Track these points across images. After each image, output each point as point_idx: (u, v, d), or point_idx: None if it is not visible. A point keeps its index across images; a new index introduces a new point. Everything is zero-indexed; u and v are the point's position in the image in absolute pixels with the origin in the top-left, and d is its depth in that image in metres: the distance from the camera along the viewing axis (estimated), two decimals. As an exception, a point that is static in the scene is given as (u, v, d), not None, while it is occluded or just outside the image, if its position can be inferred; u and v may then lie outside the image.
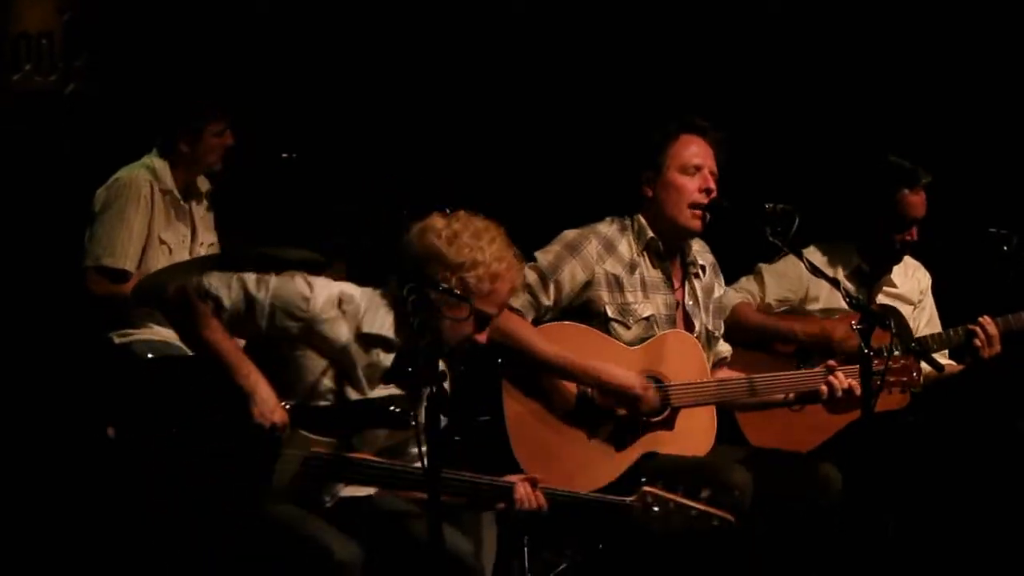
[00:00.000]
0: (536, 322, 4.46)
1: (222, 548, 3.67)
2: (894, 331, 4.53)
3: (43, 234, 5.37)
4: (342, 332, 3.79)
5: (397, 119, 5.81)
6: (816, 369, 4.59)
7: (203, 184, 5.42)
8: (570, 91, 5.99)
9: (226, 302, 3.71)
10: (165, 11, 5.62)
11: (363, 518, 3.84)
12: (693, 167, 4.52)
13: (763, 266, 5.13)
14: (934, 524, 5.07)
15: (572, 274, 4.47)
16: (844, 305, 4.67)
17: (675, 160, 4.52)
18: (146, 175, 5.20)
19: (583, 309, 4.50)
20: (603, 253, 4.52)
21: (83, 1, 5.64)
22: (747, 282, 5.14)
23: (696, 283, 4.65)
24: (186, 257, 5.27)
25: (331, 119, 5.71)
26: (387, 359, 3.84)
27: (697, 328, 4.64)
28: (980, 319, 5.03)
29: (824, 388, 4.51)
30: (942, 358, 5.16)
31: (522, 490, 3.82)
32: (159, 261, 5.17)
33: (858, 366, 4.40)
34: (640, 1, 6.05)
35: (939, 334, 5.13)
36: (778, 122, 6.03)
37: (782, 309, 5.12)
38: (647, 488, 3.95)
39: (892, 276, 5.22)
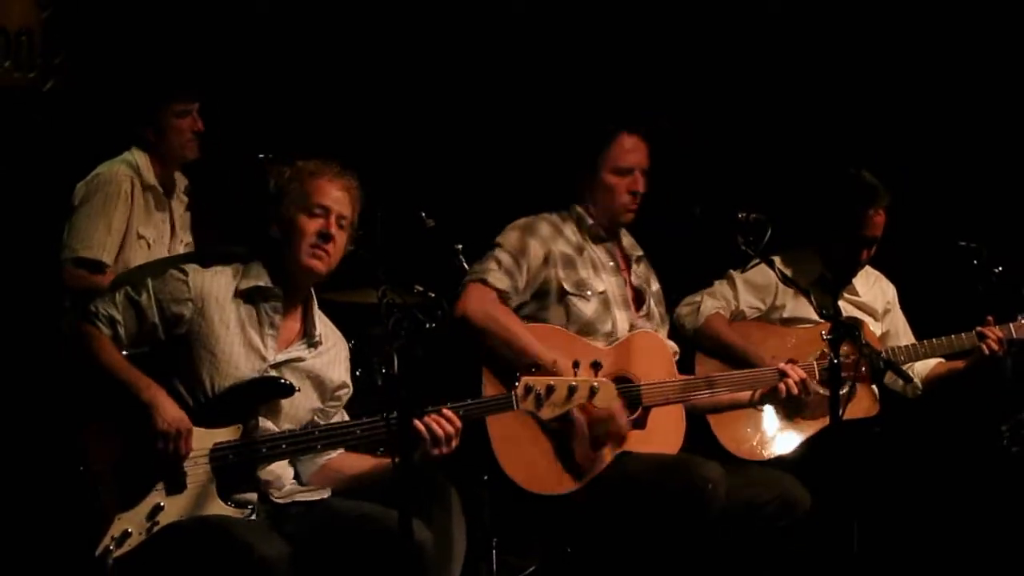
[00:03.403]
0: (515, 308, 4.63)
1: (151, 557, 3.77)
2: (864, 342, 4.58)
3: (21, 230, 5.37)
4: (226, 298, 3.94)
5: (352, 118, 5.85)
6: (771, 367, 4.75)
7: (181, 180, 5.43)
8: (535, 93, 6.03)
9: (119, 317, 3.89)
10: (145, 9, 5.63)
11: (320, 522, 3.94)
12: (626, 169, 4.70)
13: (734, 273, 5.17)
14: (901, 531, 5.10)
15: (535, 252, 4.66)
16: (809, 314, 4.73)
17: (609, 162, 4.72)
18: (127, 170, 5.21)
19: (543, 290, 4.66)
20: (554, 234, 4.72)
21: (63, -2, 5.67)
22: (721, 286, 5.16)
23: (636, 268, 4.86)
24: (165, 254, 5.28)
25: (302, 120, 5.72)
26: (275, 310, 3.98)
27: (647, 304, 4.81)
28: (989, 319, 5.08)
29: (782, 386, 4.68)
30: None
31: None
32: (137, 256, 5.19)
33: (813, 363, 4.77)
34: (613, 10, 6.09)
35: (945, 339, 5.14)
36: (746, 130, 6.08)
37: (753, 316, 5.16)
38: (524, 376, 4.05)
39: (854, 284, 5.25)
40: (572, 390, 4.04)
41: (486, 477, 4.56)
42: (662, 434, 4.64)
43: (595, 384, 4.07)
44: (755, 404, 4.83)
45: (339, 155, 4.16)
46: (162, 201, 5.32)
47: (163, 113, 5.24)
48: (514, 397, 4.03)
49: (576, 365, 4.10)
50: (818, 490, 4.68)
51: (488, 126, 6.00)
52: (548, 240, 4.69)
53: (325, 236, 3.96)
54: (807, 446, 4.98)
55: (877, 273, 5.35)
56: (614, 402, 4.27)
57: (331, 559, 3.87)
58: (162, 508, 3.77)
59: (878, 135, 5.92)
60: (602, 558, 4.62)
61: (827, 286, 5.13)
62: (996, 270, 5.06)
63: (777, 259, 5.02)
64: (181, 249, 5.36)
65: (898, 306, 5.36)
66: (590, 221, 4.77)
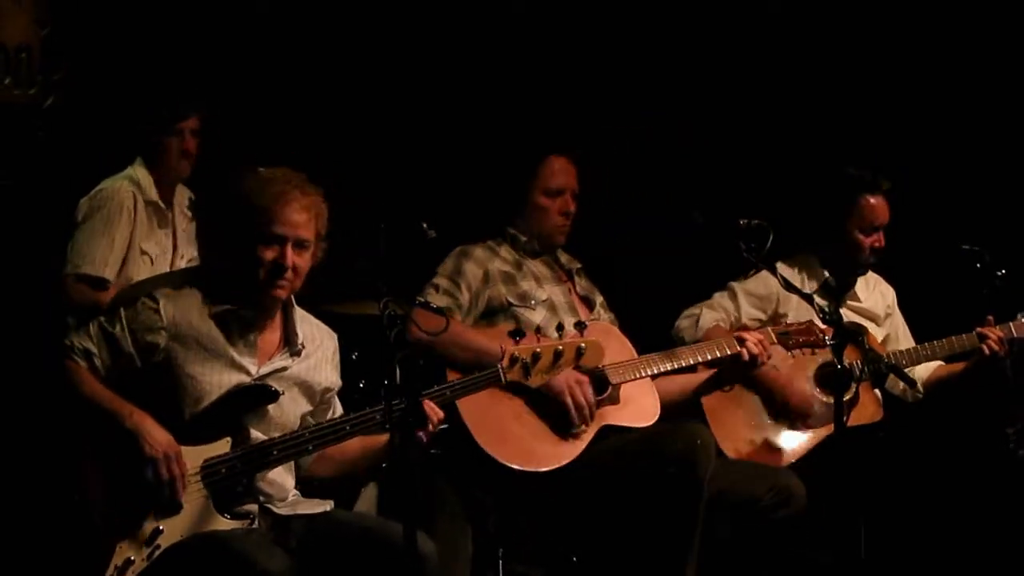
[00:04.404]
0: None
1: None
2: (867, 347, 4.57)
3: (22, 248, 5.38)
4: (201, 322, 3.90)
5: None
6: (726, 338, 4.76)
7: (184, 193, 5.43)
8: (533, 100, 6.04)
9: (94, 349, 3.87)
10: (144, 25, 5.63)
11: (322, 534, 3.92)
12: (555, 190, 4.84)
13: (735, 284, 5.16)
14: (908, 536, 5.10)
15: (472, 272, 4.75)
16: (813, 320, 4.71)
17: (540, 183, 4.86)
18: (129, 186, 5.22)
19: (490, 308, 4.74)
20: (489, 255, 4.83)
21: (62, 15, 5.66)
22: (722, 299, 5.15)
23: (578, 280, 4.97)
24: (167, 269, 5.29)
25: (303, 131, 5.71)
26: (249, 329, 3.94)
27: (596, 308, 4.90)
28: (988, 319, 5.07)
29: (743, 351, 4.68)
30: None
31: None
32: (139, 272, 5.20)
33: (769, 329, 4.77)
34: (614, 15, 6.10)
35: (946, 341, 5.14)
36: (742, 136, 6.08)
37: (755, 327, 5.14)
38: (508, 347, 4.00)
39: (856, 290, 5.25)
40: (559, 354, 4.00)
41: (490, 487, 4.56)
42: (638, 406, 4.68)
43: (582, 344, 4.03)
44: (724, 383, 4.79)
45: (339, 165, 4.15)
46: (164, 217, 5.33)
47: (172, 131, 5.26)
48: (500, 370, 3.99)
49: (560, 328, 4.07)
50: (825, 496, 4.67)
51: (488, 135, 5.99)
52: (484, 260, 4.79)
53: (280, 268, 3.89)
54: (811, 454, 4.98)
55: (876, 277, 5.34)
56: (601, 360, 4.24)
57: (334, 572, 3.85)
58: (161, 531, 3.76)
59: (879, 138, 5.91)
60: (608, 566, 4.62)
61: (831, 292, 5.13)
62: (999, 273, 5.06)
63: (780, 265, 5.05)
64: (183, 264, 5.36)
65: (897, 308, 5.35)
66: (524, 238, 4.89)
